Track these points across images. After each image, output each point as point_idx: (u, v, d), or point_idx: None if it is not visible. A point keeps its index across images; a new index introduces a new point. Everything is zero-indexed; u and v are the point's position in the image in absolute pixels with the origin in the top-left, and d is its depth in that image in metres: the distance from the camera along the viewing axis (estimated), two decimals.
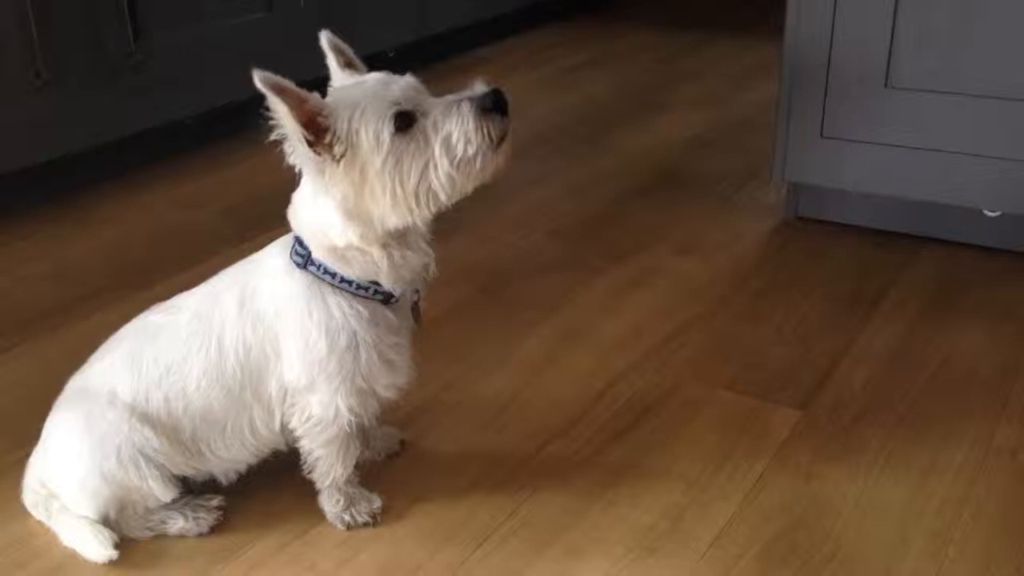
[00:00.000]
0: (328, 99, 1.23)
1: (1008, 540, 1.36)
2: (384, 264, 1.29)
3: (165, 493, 1.37)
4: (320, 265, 1.30)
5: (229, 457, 1.40)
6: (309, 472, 1.41)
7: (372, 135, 1.21)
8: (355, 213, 1.25)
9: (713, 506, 1.43)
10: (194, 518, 1.40)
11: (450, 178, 1.23)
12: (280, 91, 1.17)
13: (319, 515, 1.42)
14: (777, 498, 1.45)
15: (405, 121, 1.22)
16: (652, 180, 2.59)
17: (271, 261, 1.35)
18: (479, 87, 1.26)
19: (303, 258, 1.31)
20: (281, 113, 1.18)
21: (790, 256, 2.16)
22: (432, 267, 1.36)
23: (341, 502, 1.42)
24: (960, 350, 1.79)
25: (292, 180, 1.38)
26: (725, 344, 1.85)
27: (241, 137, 2.78)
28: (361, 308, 1.31)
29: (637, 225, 2.33)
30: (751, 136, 2.80)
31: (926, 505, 1.43)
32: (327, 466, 1.40)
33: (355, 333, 1.31)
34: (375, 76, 1.28)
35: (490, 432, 1.61)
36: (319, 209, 1.27)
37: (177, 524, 1.40)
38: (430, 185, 1.23)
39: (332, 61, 1.32)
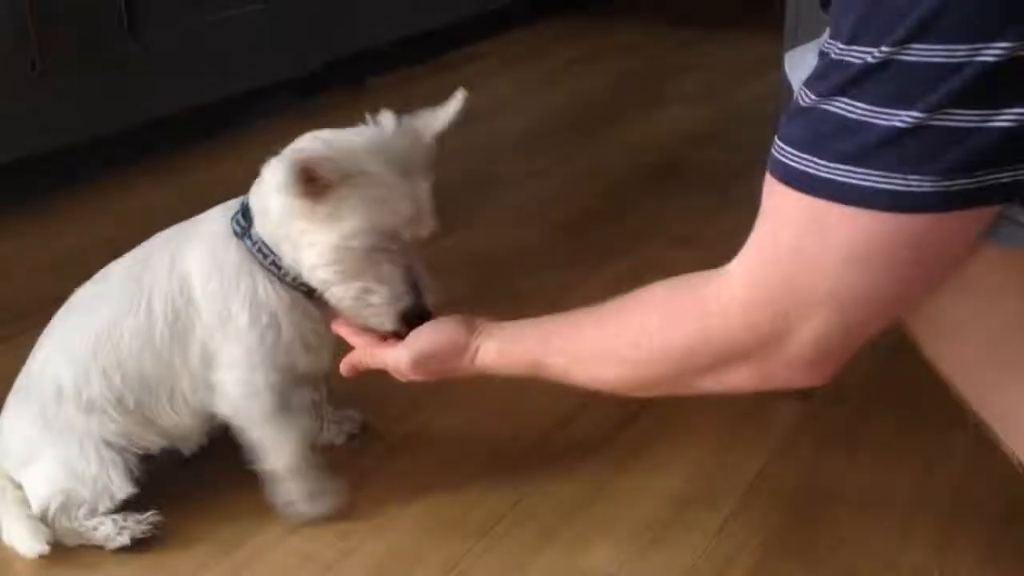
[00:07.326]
0: (348, 164, 1.20)
1: (1011, 529, 1.36)
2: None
3: (124, 486, 1.32)
4: (257, 241, 1.29)
5: (176, 424, 1.37)
6: (253, 462, 1.36)
7: (354, 229, 1.21)
8: (290, 238, 1.26)
9: (717, 496, 1.42)
10: (120, 527, 1.32)
11: (349, 309, 1.27)
12: (309, 179, 1.18)
13: None
14: (780, 489, 1.44)
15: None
16: (651, 173, 2.59)
17: (208, 226, 1.34)
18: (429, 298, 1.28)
19: (243, 228, 1.30)
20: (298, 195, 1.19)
21: None
22: None
23: (295, 492, 1.36)
24: None
25: None
26: None
27: (237, 131, 2.77)
28: (284, 294, 1.31)
29: (636, 218, 2.32)
30: (750, 130, 2.79)
31: (930, 495, 1.42)
32: (266, 452, 1.34)
33: (275, 315, 1.31)
34: (403, 185, 1.24)
35: (490, 424, 1.60)
36: (273, 201, 1.27)
37: (106, 531, 1.32)
38: (336, 296, 1.26)
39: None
